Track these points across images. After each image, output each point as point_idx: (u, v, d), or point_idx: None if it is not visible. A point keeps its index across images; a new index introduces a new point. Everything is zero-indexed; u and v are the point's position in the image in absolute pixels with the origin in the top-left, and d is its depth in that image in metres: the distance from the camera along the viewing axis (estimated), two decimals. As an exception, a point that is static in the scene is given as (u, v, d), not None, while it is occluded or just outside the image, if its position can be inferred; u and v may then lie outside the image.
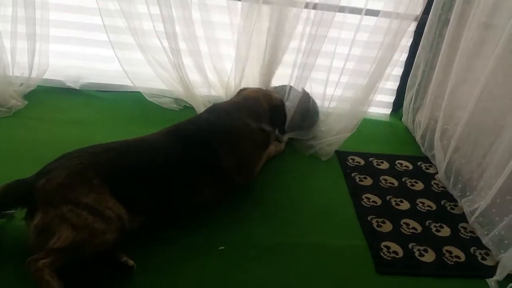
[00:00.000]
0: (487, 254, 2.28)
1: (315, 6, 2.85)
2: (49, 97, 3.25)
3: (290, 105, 2.95)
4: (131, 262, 1.95)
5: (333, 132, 3.05)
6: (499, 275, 2.08)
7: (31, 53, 3.10)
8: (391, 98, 3.57)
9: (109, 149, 2.11)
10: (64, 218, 1.82)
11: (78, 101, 3.27)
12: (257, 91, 2.81)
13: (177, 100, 3.34)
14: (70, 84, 3.36)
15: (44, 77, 3.26)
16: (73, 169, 1.95)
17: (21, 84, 3.18)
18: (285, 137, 3.00)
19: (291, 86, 3.03)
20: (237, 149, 2.40)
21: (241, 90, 2.86)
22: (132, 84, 3.32)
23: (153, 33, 3.08)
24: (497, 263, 2.18)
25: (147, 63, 3.20)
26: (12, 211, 2.06)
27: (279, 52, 3.03)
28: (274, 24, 2.98)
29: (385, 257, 2.21)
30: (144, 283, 1.93)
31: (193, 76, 3.25)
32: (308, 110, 3.03)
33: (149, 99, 3.30)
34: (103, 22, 3.05)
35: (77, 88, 3.36)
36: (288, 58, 3.05)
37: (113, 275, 1.93)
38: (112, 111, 3.21)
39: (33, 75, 3.18)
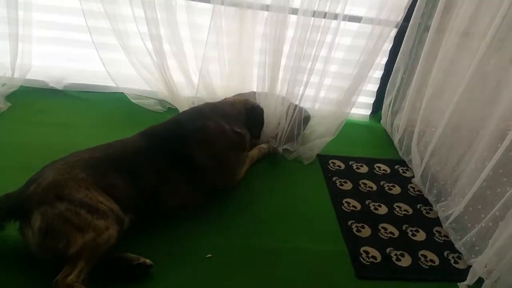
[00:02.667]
0: (459, 258, 2.41)
1: (296, 12, 2.87)
2: (32, 98, 3.24)
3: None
4: (148, 261, 2.04)
5: (315, 135, 3.15)
6: (470, 280, 2.21)
7: (13, 54, 3.11)
8: (371, 100, 3.67)
9: (88, 150, 2.24)
10: (65, 218, 1.89)
11: (62, 102, 3.28)
12: (235, 96, 2.95)
13: (161, 102, 3.38)
14: (53, 84, 3.36)
15: (27, 77, 3.26)
16: (59, 168, 2.05)
17: (3, 85, 3.18)
18: (280, 149, 3.06)
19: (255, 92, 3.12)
20: (209, 147, 2.46)
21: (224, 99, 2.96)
22: (115, 85, 3.34)
23: (137, 35, 3.10)
24: (469, 266, 2.30)
25: (131, 65, 3.22)
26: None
27: (263, 55, 3.06)
28: (258, 27, 3.03)
29: (364, 262, 2.32)
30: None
31: (177, 78, 3.29)
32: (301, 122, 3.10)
33: (133, 100, 3.33)
34: (86, 23, 3.06)
35: (60, 88, 3.37)
36: (271, 60, 3.07)
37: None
38: (96, 113, 3.23)
39: (16, 75, 3.19)
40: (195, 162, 2.40)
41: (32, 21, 3.11)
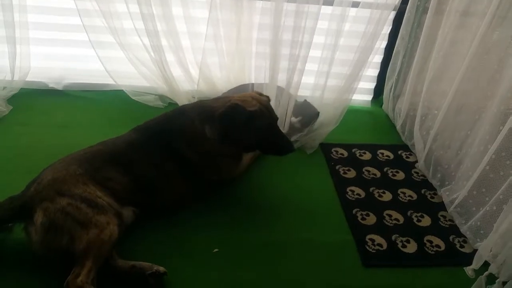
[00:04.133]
0: (465, 242, 2.41)
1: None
2: (33, 100, 3.26)
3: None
4: (161, 268, 2.03)
5: (318, 124, 3.13)
6: (476, 264, 2.21)
7: (12, 56, 3.12)
8: (372, 85, 3.64)
9: (84, 148, 2.30)
10: (66, 213, 1.93)
11: (62, 102, 3.30)
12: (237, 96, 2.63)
13: (161, 97, 3.37)
14: (53, 85, 3.37)
15: (27, 79, 3.26)
16: (57, 166, 2.13)
17: (4, 88, 3.19)
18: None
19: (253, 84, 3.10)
20: (188, 143, 2.44)
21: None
22: (115, 83, 3.34)
23: (134, 31, 3.10)
24: (475, 250, 2.31)
25: (129, 61, 3.22)
26: (10, 224, 2.12)
27: (262, 45, 3.03)
28: (255, 17, 3.01)
29: (370, 250, 2.33)
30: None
31: (176, 72, 3.28)
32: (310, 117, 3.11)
33: (133, 97, 3.33)
34: (82, 23, 3.05)
35: (60, 89, 3.39)
36: (270, 51, 3.05)
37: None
38: (97, 112, 3.24)
39: (16, 78, 3.19)
40: (182, 156, 2.42)
41: (28, 23, 3.10)
